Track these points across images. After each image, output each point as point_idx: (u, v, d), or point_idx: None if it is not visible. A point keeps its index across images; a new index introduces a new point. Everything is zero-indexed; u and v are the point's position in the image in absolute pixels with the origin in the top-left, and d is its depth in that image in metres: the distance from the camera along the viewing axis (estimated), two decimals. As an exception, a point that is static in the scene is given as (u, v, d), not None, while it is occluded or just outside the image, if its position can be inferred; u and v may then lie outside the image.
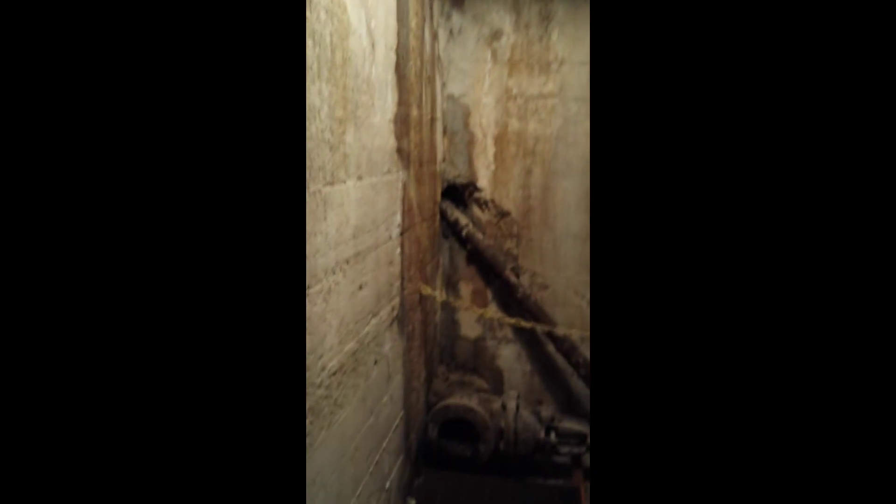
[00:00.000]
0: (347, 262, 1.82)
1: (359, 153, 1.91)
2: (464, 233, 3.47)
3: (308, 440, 1.51)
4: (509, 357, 3.60)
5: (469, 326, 3.64)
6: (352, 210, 1.84)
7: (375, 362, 2.19)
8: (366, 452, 2.08)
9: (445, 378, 3.50)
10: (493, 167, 3.50)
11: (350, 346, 1.86)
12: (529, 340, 3.57)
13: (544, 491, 2.94)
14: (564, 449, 3.16)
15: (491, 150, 3.49)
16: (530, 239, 3.51)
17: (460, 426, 3.10)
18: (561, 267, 3.48)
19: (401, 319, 2.58)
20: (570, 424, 3.19)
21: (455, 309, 3.62)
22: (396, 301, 2.50)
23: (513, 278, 3.39)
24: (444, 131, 3.49)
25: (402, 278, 2.60)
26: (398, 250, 2.52)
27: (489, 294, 3.57)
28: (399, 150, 2.47)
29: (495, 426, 3.07)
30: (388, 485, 2.39)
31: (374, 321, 2.14)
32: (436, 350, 3.53)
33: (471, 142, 3.51)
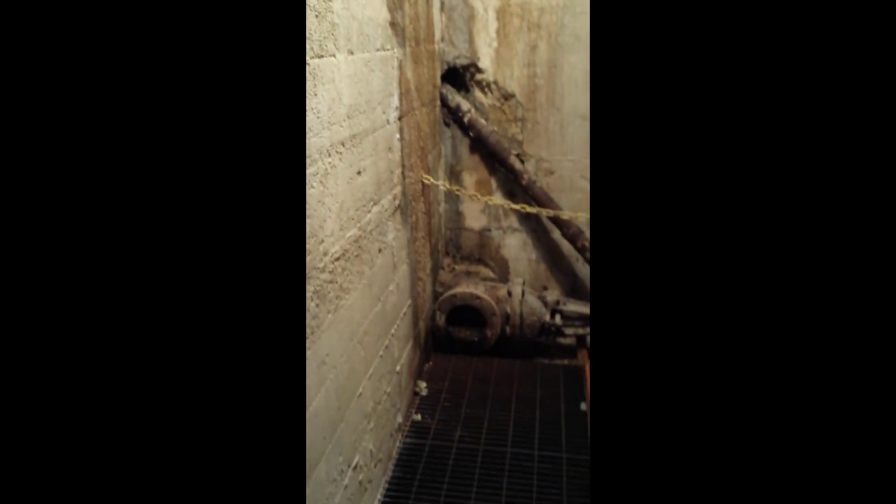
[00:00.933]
0: (343, 144, 1.72)
1: (348, 24, 1.73)
2: (466, 119, 3.31)
3: (315, 322, 1.51)
4: (514, 246, 3.59)
5: (474, 217, 3.59)
6: (344, 87, 1.71)
7: (380, 251, 2.16)
8: (375, 337, 2.11)
9: (451, 269, 3.52)
10: (495, 44, 3.25)
11: (352, 232, 1.82)
12: (535, 228, 3.53)
13: (550, 369, 3.06)
14: (569, 330, 3.24)
15: (493, 26, 3.21)
16: (536, 122, 3.35)
17: (467, 313, 3.16)
18: (567, 150, 3.34)
19: (403, 209, 2.52)
20: (575, 307, 3.24)
21: (459, 199, 3.55)
22: (398, 190, 2.42)
23: (517, 165, 3.28)
24: (442, 6, 3.20)
25: (403, 166, 2.50)
26: (397, 136, 2.40)
27: (493, 183, 3.48)
28: (393, 25, 2.26)
29: (501, 312, 3.13)
30: (398, 368, 2.46)
31: (375, 209, 2.08)
32: (441, 242, 3.51)
33: (471, 17, 3.22)
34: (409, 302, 2.67)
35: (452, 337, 3.16)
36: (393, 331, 2.38)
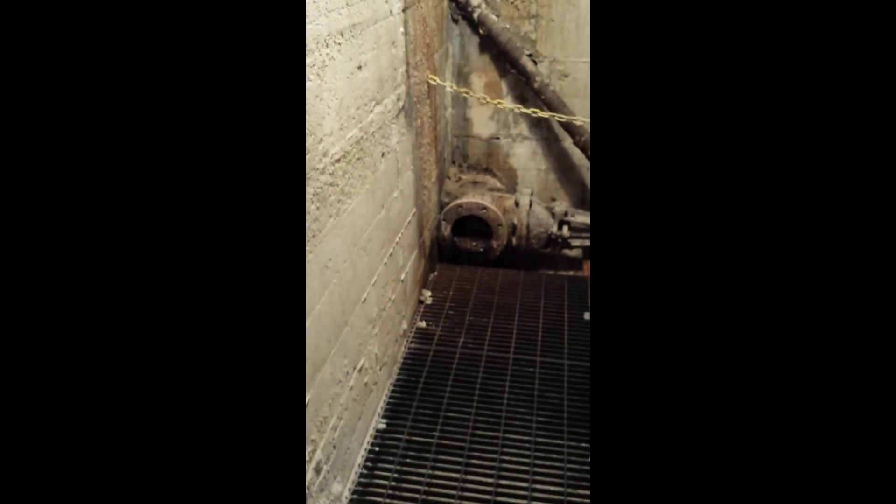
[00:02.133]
0: (342, 34, 1.58)
1: None
2: (475, 15, 3.06)
3: (316, 226, 1.46)
4: (523, 155, 3.46)
5: (482, 124, 3.43)
6: (341, -33, 1.53)
7: (383, 155, 2.06)
8: (379, 244, 2.07)
9: (457, 178, 3.42)
10: (509, -73, 2.92)
11: (353, 133, 1.72)
12: (545, 137, 3.38)
13: (555, 280, 3.05)
14: (576, 242, 3.20)
15: None
16: (551, 19, 3.09)
17: (473, 224, 3.11)
18: (583, 52, 3.12)
19: (408, 112, 2.38)
20: (583, 218, 3.18)
21: (467, 103, 3.38)
22: (402, 90, 2.27)
23: (530, 66, 3.07)
24: None
25: (408, 64, 2.33)
26: (401, 29, 2.21)
27: (504, 86, 3.29)
28: None
29: (508, 222, 3.07)
30: (403, 276, 2.45)
31: (377, 109, 1.96)
32: (447, 149, 3.39)
33: None
34: (414, 211, 2.61)
35: (458, 247, 3.14)
36: (397, 239, 2.34)
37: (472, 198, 3.07)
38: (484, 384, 2.29)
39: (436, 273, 3.06)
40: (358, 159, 1.78)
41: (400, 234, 2.38)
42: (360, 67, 1.74)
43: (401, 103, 2.26)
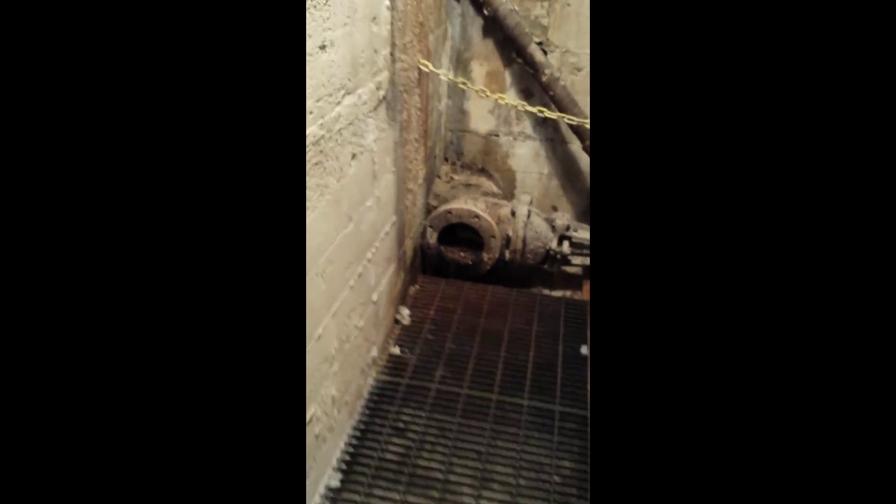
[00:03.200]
0: (296, 2, 1.19)
1: None
2: (480, -8, 2.65)
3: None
4: (525, 156, 3.08)
5: (480, 118, 3.04)
6: None
7: (353, 157, 1.68)
8: (343, 265, 1.71)
9: (449, 179, 3.04)
10: None
11: (309, 131, 1.34)
12: (550, 137, 3.00)
13: (551, 302, 2.70)
14: (577, 259, 2.84)
15: None
16: (566, 3, 2.69)
17: (463, 232, 2.74)
18: (602, 44, 2.72)
19: (391, 103, 2.00)
20: (587, 234, 2.82)
21: (465, 95, 2.98)
22: (384, 77, 1.89)
23: (539, 56, 2.68)
24: None
25: (394, 45, 1.94)
26: (386, 2, 1.82)
27: (508, 77, 2.89)
28: None
29: (502, 234, 2.71)
30: (375, 297, 2.09)
31: (348, 101, 1.58)
32: (439, 145, 3.00)
33: None
34: (394, 219, 2.24)
35: (444, 258, 2.77)
36: (369, 255, 1.97)
37: (463, 203, 2.70)
38: (461, 433, 1.95)
39: (417, 287, 2.70)
40: (316, 164, 1.41)
41: (373, 249, 2.01)
42: (323, 47, 1.36)
43: (381, 93, 1.87)
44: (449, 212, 2.66)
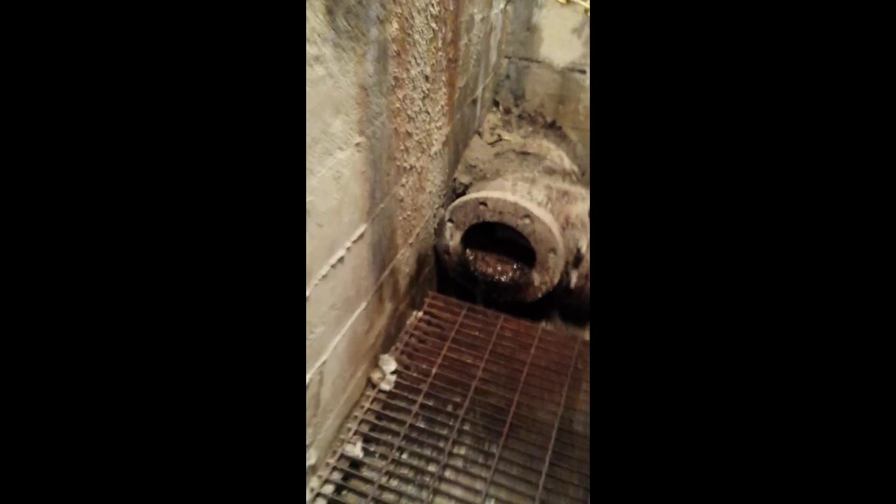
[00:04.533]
0: None
1: None
2: None
3: None
4: (623, 110, 1.90)
5: (558, 40, 1.87)
6: None
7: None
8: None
9: (496, 139, 1.93)
10: None
11: None
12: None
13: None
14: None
15: None
16: None
17: (504, 232, 1.69)
18: None
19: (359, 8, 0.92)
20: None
21: (535, 1, 1.80)
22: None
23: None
24: None
25: None
26: None
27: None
28: None
29: (570, 246, 1.62)
30: (316, 369, 1.12)
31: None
32: (484, 81, 1.87)
33: None
34: (363, 229, 1.21)
35: (470, 270, 1.74)
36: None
37: (509, 192, 1.61)
38: None
39: (419, 315, 1.70)
40: None
41: (311, 286, 1.01)
42: None
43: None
44: (483, 202, 1.59)
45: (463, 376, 1.53)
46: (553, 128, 1.99)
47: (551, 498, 1.27)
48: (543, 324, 1.77)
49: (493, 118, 1.97)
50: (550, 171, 1.77)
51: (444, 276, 1.82)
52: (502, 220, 1.58)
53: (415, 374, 1.52)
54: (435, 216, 1.69)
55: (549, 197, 1.63)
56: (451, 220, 1.66)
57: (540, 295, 1.70)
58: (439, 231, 1.70)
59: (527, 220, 1.56)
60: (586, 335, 1.74)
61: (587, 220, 1.62)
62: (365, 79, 1.03)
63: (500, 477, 1.30)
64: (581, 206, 1.63)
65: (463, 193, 1.72)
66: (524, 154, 1.83)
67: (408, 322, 1.66)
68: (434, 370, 1.53)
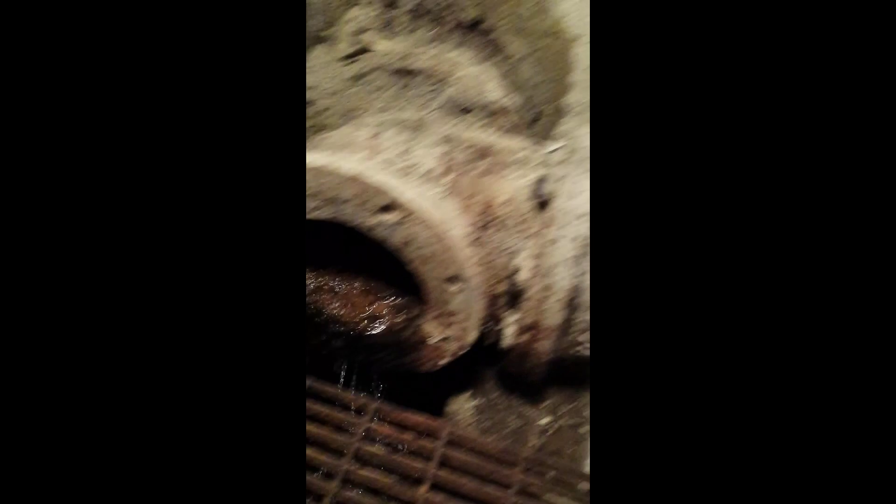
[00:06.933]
0: None
1: None
2: None
3: None
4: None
5: None
6: None
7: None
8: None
9: (357, 47, 1.00)
10: None
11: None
12: None
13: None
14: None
15: None
16: None
17: (379, 250, 0.80)
18: None
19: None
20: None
21: None
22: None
23: None
24: None
25: None
26: None
27: None
28: None
29: (492, 270, 0.75)
30: None
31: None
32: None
33: None
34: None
35: (309, 312, 0.86)
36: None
37: (358, 154, 0.71)
38: None
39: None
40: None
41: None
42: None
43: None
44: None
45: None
46: (476, 30, 1.09)
47: None
48: (464, 405, 0.92)
49: (358, 14, 1.04)
50: (458, 109, 0.87)
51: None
52: (336, 216, 0.69)
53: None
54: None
55: (448, 162, 0.74)
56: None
57: (442, 362, 0.84)
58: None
59: (389, 217, 0.68)
60: (546, 425, 0.90)
61: (533, 210, 0.74)
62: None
63: None
64: (519, 181, 0.76)
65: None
66: (406, 74, 0.91)
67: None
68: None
